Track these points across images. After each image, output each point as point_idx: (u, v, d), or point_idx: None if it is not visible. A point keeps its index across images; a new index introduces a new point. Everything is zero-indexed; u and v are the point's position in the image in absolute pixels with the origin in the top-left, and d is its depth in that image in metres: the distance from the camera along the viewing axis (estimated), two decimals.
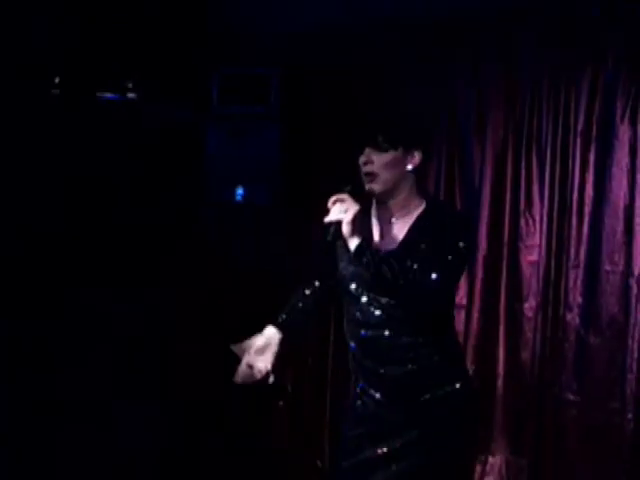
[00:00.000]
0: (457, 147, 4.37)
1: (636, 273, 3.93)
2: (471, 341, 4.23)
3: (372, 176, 2.84)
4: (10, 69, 4.06)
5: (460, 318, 4.29)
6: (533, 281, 4.18)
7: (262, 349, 2.92)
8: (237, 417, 4.63)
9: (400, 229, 2.86)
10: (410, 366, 2.83)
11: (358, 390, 2.93)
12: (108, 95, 4.22)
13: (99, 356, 4.34)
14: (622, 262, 3.99)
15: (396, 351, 2.83)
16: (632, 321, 3.93)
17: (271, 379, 2.91)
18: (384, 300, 2.83)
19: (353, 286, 2.88)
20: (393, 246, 2.85)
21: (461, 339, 4.27)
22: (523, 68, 4.23)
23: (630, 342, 3.93)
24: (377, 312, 2.84)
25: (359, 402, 2.92)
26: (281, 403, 4.72)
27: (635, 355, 3.92)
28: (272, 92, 4.30)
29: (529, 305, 4.18)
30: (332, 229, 2.80)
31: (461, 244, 2.80)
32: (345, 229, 2.76)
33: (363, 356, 2.89)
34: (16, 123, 4.09)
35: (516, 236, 4.21)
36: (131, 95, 4.24)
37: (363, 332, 2.88)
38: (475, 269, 4.23)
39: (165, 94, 4.37)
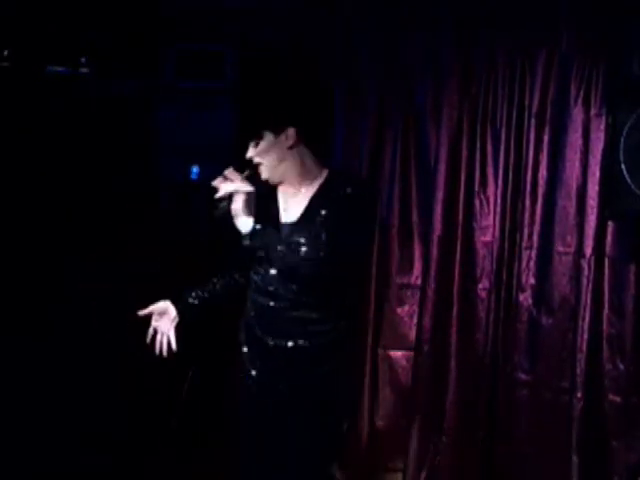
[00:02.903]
0: (412, 128, 4.36)
1: (588, 254, 3.98)
2: (425, 321, 4.24)
3: (258, 167, 2.92)
4: None
5: (415, 298, 4.33)
6: (487, 262, 4.20)
7: (161, 313, 3.10)
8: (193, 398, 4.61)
9: (302, 200, 2.93)
10: (298, 341, 2.87)
11: (245, 362, 2.99)
12: (59, 69, 4.14)
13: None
14: (574, 243, 4.03)
15: (286, 324, 2.88)
16: (583, 302, 3.97)
17: (173, 346, 3.10)
18: (281, 273, 2.88)
19: (255, 256, 2.93)
20: (295, 218, 2.92)
21: (415, 319, 4.32)
22: (479, 50, 4.23)
23: (581, 322, 3.97)
24: (274, 283, 2.90)
25: (245, 374, 2.99)
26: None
27: (585, 335, 3.97)
28: (227, 68, 4.27)
29: (482, 286, 4.21)
30: (222, 206, 2.87)
31: (358, 220, 2.85)
32: (234, 209, 2.84)
33: (256, 325, 2.94)
34: None
35: (470, 217, 4.22)
36: (84, 70, 4.17)
37: (260, 300, 2.94)
38: (430, 249, 4.25)
39: (119, 69, 4.30)
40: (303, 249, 2.80)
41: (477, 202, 4.23)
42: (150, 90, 4.47)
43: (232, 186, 2.85)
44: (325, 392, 2.91)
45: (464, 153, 4.24)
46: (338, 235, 2.80)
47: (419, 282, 4.31)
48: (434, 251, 4.24)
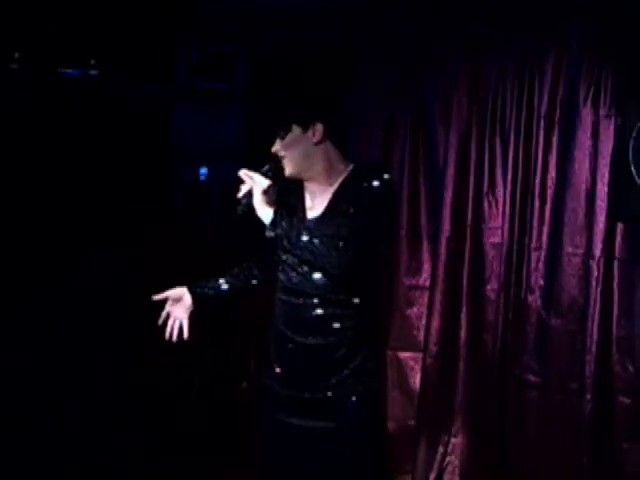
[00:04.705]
0: (421, 129, 4.37)
1: (597, 255, 3.95)
2: (434, 323, 4.24)
3: (281, 161, 2.92)
4: None
5: (423, 300, 4.33)
6: (495, 263, 4.20)
7: (177, 300, 3.10)
8: (202, 400, 4.64)
9: (327, 197, 2.92)
10: (319, 338, 2.86)
11: (271, 361, 2.96)
12: (69, 71, 4.17)
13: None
14: (583, 244, 4.01)
15: (308, 321, 2.87)
16: (592, 303, 3.95)
17: (185, 334, 3.08)
18: (301, 268, 2.87)
19: (278, 251, 2.93)
20: (319, 213, 2.91)
21: (424, 321, 4.32)
22: (488, 51, 4.24)
23: (590, 324, 3.96)
24: (295, 278, 2.90)
25: (269, 375, 2.97)
26: (244, 384, 4.73)
27: (595, 337, 3.94)
28: (238, 71, 4.30)
29: (491, 287, 4.21)
30: (243, 203, 2.89)
31: (378, 214, 2.83)
32: (254, 202, 2.86)
33: (282, 322, 2.93)
34: None
35: (479, 218, 4.22)
36: (93, 72, 4.20)
37: (284, 297, 2.93)
38: (438, 251, 4.25)
39: (130, 72, 4.33)
40: (324, 241, 2.79)
41: (486, 204, 4.23)
42: (163, 92, 4.51)
43: (249, 183, 2.89)
44: (357, 393, 2.87)
45: (473, 155, 4.24)
46: (360, 229, 2.79)
47: (428, 283, 4.31)
48: (443, 253, 4.24)
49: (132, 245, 4.49)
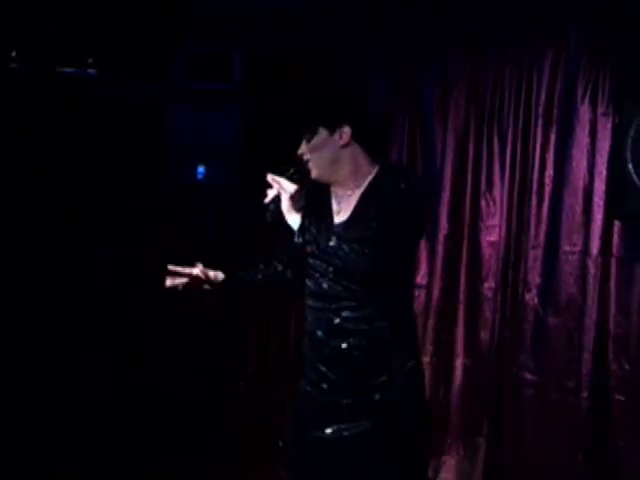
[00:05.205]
0: (419, 128, 4.39)
1: (594, 254, 3.95)
2: (431, 321, 4.25)
3: (308, 163, 2.87)
4: None
5: (420, 298, 4.32)
6: (493, 261, 4.20)
7: (206, 282, 3.11)
8: (198, 398, 4.64)
9: (353, 200, 2.87)
10: (354, 340, 2.81)
11: (308, 368, 2.91)
12: (67, 70, 4.19)
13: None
14: (580, 243, 4.01)
15: (341, 325, 2.82)
16: (589, 301, 3.95)
17: (179, 286, 3.09)
18: (330, 273, 2.83)
19: (305, 257, 2.88)
20: (347, 217, 2.87)
21: (421, 319, 4.30)
22: (488, 51, 4.24)
23: (587, 322, 3.95)
24: (325, 283, 2.86)
25: (307, 381, 2.91)
26: (242, 383, 4.73)
27: (592, 335, 3.94)
28: (234, 70, 4.31)
29: (488, 285, 4.20)
30: (271, 209, 2.84)
31: (405, 216, 2.78)
32: (283, 209, 2.80)
33: (315, 327, 2.88)
34: None
35: (477, 216, 4.23)
36: (91, 71, 4.21)
37: (313, 302, 2.89)
38: (436, 249, 4.25)
39: (128, 71, 4.34)
40: (353, 247, 2.73)
41: (483, 202, 4.23)
42: (162, 92, 4.52)
43: (276, 188, 2.83)
44: (403, 393, 2.83)
45: (471, 153, 4.25)
46: (387, 231, 2.74)
47: (425, 282, 4.31)
48: (440, 251, 4.25)
49: (131, 245, 4.49)
